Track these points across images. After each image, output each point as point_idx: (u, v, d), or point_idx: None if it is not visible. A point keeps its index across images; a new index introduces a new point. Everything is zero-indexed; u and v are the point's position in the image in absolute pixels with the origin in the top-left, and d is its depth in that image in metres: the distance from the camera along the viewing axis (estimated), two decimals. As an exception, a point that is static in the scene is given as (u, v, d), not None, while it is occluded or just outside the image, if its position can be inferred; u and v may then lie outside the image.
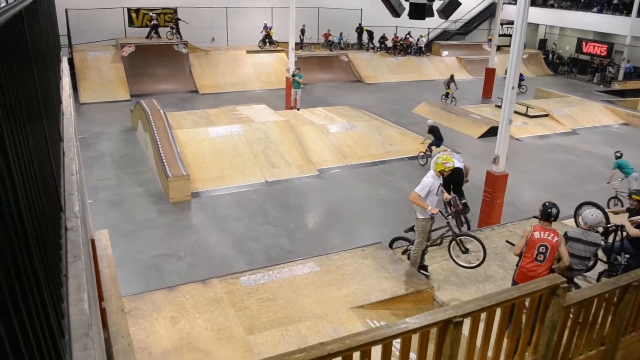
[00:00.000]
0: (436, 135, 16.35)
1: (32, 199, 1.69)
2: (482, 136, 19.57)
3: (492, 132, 17.42)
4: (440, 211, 8.36)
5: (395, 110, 22.88)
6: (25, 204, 1.52)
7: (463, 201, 10.71)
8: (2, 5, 1.95)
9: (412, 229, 8.97)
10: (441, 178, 8.46)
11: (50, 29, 5.04)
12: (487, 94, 27.08)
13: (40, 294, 1.39)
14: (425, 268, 8.76)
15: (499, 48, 29.85)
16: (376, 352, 4.02)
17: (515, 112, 13.38)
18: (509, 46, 12.56)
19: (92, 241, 5.07)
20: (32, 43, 2.60)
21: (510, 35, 29.53)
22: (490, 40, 30.88)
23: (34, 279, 1.36)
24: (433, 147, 15.95)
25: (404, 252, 9.24)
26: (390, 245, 9.40)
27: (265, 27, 29.41)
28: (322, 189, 14.91)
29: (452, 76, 25.13)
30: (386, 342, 4.07)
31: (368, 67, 30.77)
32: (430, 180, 8.23)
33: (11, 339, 1.05)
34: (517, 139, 19.39)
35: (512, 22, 13.19)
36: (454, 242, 8.77)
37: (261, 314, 6.75)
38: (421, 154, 16.79)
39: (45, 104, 3.03)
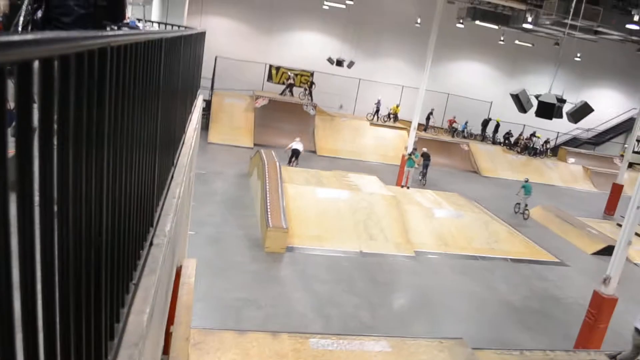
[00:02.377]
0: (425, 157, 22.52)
1: (121, 206, 1.82)
2: (597, 253, 18.24)
3: (607, 250, 16.16)
4: None
5: (507, 208, 22.08)
6: (110, 208, 1.65)
7: None
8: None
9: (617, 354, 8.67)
10: None
11: (192, 65, 5.51)
12: (610, 210, 25.40)
13: (97, 288, 1.48)
14: None
15: (630, 165, 28.24)
16: None
17: (638, 234, 12.45)
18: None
19: (179, 267, 5.28)
20: (165, 69, 2.86)
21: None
22: (622, 155, 29.37)
23: (96, 272, 1.46)
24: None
25: None
26: None
27: (379, 102, 30.03)
28: (415, 271, 14.56)
29: None
30: None
31: (487, 160, 30.21)
32: None
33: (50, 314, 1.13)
34: (635, 263, 17.84)
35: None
36: None
37: (322, 381, 6.60)
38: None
39: (163, 128, 3.28)
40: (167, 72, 3.08)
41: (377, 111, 29.92)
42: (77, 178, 1.24)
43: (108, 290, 1.64)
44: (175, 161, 4.28)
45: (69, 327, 1.23)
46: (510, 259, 16.46)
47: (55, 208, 1.12)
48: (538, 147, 31.51)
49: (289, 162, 21.29)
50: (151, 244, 2.67)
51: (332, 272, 13.39)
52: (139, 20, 6.50)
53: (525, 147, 31.73)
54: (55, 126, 1.09)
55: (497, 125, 32.32)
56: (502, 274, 15.23)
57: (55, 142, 1.09)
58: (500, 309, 13.03)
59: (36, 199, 0.99)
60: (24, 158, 0.92)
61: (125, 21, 5.26)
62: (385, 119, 29.84)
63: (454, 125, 31.55)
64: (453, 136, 31.31)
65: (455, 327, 11.41)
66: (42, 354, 1.07)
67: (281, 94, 28.88)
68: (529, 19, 21.84)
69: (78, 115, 1.21)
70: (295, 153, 21.63)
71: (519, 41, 31.60)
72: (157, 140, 2.79)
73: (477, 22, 27.63)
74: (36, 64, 0.94)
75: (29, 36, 0.85)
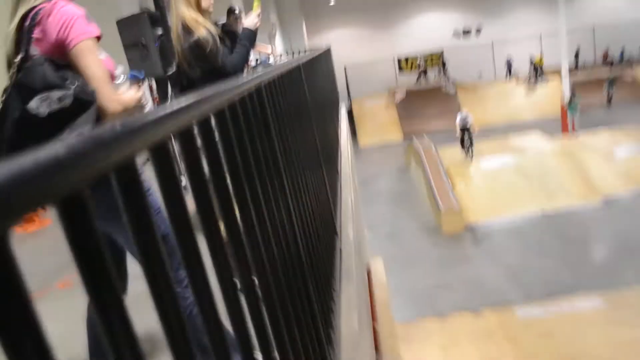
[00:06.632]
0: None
1: (308, 222, 1.97)
2: None
3: None
4: None
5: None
6: (300, 227, 1.79)
7: None
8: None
9: None
10: None
11: (328, 79, 5.71)
12: None
13: (310, 304, 1.61)
14: None
15: None
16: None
17: None
18: None
19: (368, 268, 5.46)
20: (309, 90, 3.03)
21: None
22: None
23: (304, 288, 1.60)
24: None
25: None
26: None
27: (509, 61, 28.16)
28: (609, 218, 13.40)
29: None
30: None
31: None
32: None
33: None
34: None
35: None
36: None
37: (538, 351, 6.33)
38: None
39: (322, 144, 3.45)
40: (311, 92, 3.25)
41: (510, 70, 28.18)
42: (270, 210, 1.37)
43: (319, 302, 1.77)
44: (339, 171, 4.46)
45: (295, 340, 1.35)
46: None
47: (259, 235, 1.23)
48: None
49: (462, 146, 17.67)
50: (340, 251, 2.82)
51: (517, 240, 12.84)
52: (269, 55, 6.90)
53: None
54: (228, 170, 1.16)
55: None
56: None
57: (232, 182, 1.17)
58: None
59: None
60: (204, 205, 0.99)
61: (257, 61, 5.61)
62: (531, 74, 27.70)
63: (609, 58, 28.38)
64: (611, 69, 28.19)
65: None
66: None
67: (417, 82, 28.46)
68: None
69: (255, 152, 1.34)
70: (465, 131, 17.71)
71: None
72: (319, 156, 2.94)
73: None
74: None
75: (191, 98, 0.92)
